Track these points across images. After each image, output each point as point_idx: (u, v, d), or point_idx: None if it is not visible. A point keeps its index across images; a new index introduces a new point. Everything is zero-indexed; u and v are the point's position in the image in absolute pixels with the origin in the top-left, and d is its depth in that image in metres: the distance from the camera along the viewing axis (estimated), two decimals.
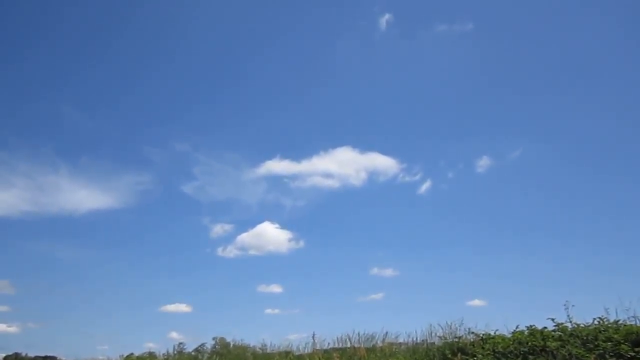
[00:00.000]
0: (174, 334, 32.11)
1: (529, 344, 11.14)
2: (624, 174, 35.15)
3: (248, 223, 38.69)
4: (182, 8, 43.57)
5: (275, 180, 38.35)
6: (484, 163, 36.12)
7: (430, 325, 13.85)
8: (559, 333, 11.23)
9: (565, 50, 38.27)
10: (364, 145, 39.98)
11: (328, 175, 36.85)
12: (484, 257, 34.29)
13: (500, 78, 40.08)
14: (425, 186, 36.28)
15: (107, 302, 36.42)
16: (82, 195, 37.78)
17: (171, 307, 34.09)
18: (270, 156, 39.65)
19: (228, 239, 37.94)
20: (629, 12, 36.12)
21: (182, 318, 34.41)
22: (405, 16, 40.56)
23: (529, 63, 38.93)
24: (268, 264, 38.08)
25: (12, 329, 30.44)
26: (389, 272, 34.51)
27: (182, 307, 34.13)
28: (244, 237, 36.51)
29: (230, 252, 36.37)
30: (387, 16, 38.93)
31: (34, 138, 41.27)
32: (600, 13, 37.07)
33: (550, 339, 11.02)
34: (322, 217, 39.83)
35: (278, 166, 37.69)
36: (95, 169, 40.07)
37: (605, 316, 11.11)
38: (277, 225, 36.23)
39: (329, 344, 15.00)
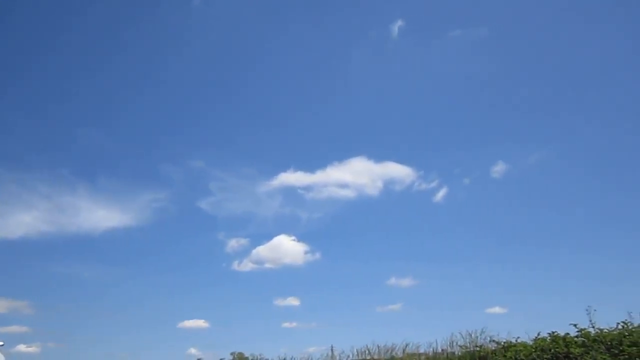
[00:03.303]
0: (193, 350, 31.98)
1: (552, 350, 10.96)
2: None
3: (264, 236, 38.63)
4: (192, 21, 44.18)
5: (290, 192, 38.35)
6: (499, 169, 35.74)
7: (451, 334, 13.73)
8: (582, 339, 11.03)
9: (581, 56, 37.97)
10: (378, 154, 39.78)
11: (343, 185, 36.74)
12: (502, 264, 33.80)
13: (515, 83, 39.84)
14: (441, 193, 35.95)
15: (126, 319, 36.58)
16: (100, 215, 38.16)
17: (189, 323, 34.09)
18: (284, 168, 39.65)
19: (244, 253, 37.92)
20: None
21: (200, 334, 34.39)
22: (417, 22, 40.56)
23: (545, 68, 38.66)
24: (284, 277, 37.93)
25: (32, 349, 30.62)
26: (406, 282, 34.12)
27: (200, 323, 34.09)
28: (260, 251, 36.45)
29: (246, 265, 36.30)
30: (399, 23, 38.91)
31: (51, 158, 41.93)
32: (619, 19, 36.84)
33: (573, 345, 10.83)
34: (338, 228, 39.66)
35: (292, 178, 37.66)
36: (112, 188, 40.56)
37: (629, 320, 10.91)
38: (293, 238, 36.11)
39: (348, 356, 14.96)
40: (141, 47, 45.14)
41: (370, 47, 42.28)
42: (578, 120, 37.80)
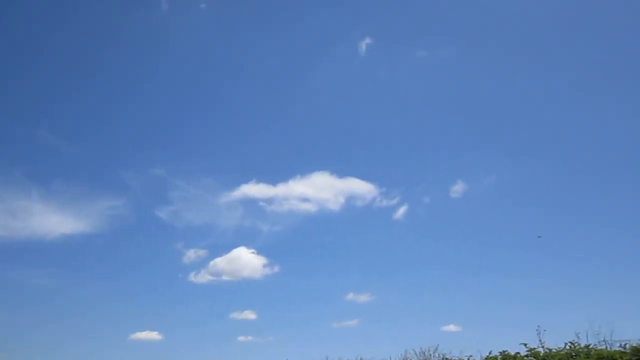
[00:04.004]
0: None
1: None
2: (596, 198, 35.97)
3: (223, 248, 38.02)
4: (159, 28, 43.59)
5: (251, 204, 37.99)
6: (459, 188, 36.53)
7: (405, 351, 13.74)
8: (532, 358, 11.21)
9: (543, 79, 39.47)
10: (341, 169, 39.98)
11: (305, 199, 36.68)
12: (459, 282, 34.36)
13: (478, 105, 40.99)
14: (401, 211, 36.39)
15: (75, 329, 35.07)
16: (53, 220, 36.68)
17: (141, 335, 32.98)
18: (246, 180, 39.22)
19: (201, 264, 37.17)
20: (613, 42, 37.64)
21: (152, 346, 33.32)
22: (385, 40, 41.18)
23: (507, 91, 39.98)
24: (242, 290, 37.36)
25: None
26: (364, 297, 34.17)
27: (153, 335, 33.05)
28: (218, 262, 35.82)
29: (203, 277, 35.57)
30: (367, 40, 39.45)
31: (5, 161, 40.22)
32: (579, 44, 38.55)
33: None
34: (298, 242, 39.49)
35: (254, 190, 37.36)
36: (68, 193, 39.15)
37: (576, 341, 11.15)
38: (252, 251, 35.68)
39: None
40: (105, 52, 44.22)
41: (337, 63, 42.74)
42: (538, 142, 39.10)
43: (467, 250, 36.53)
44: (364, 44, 39.73)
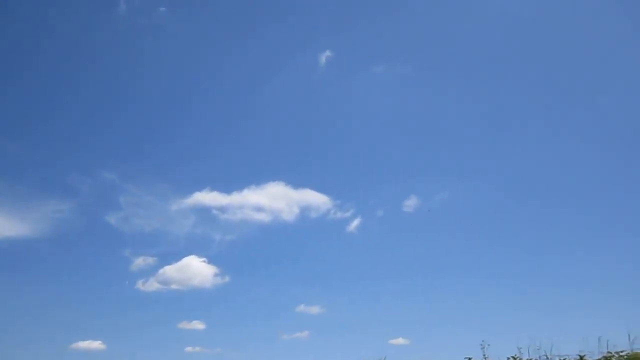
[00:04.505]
0: None
1: None
2: (543, 216, 37.46)
3: (173, 256, 37.16)
4: (115, 33, 42.50)
5: (204, 212, 37.41)
6: (411, 203, 37.27)
7: None
8: None
9: (498, 96, 41.00)
10: (297, 180, 40.03)
11: (259, 209, 36.46)
12: (409, 295, 34.94)
13: (433, 121, 42.11)
14: (355, 224, 36.77)
15: (14, 337, 33.27)
16: None
17: (83, 345, 31.58)
18: (199, 187, 38.62)
19: (150, 272, 36.18)
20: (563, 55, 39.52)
21: (95, 356, 31.98)
22: (344, 54, 41.74)
23: (462, 108, 41.26)
24: (191, 300, 36.56)
25: None
26: (315, 309, 34.14)
27: (96, 345, 31.71)
28: (167, 271, 34.96)
29: (152, 285, 34.62)
30: (327, 53, 39.84)
31: None
32: (530, 67, 40.28)
33: None
34: (250, 252, 39.10)
35: (207, 198, 36.84)
36: (13, 195, 37.30)
37: (518, 355, 11.45)
38: (203, 259, 35.04)
39: None
40: (52, 52, 42.75)
41: (297, 73, 42.94)
42: (491, 159, 40.44)
43: (418, 264, 37.27)
44: (324, 57, 40.22)
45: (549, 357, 11.10)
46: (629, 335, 10.12)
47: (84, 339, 32.04)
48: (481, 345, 11.78)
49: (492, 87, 41.46)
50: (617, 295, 29.63)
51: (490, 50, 41.41)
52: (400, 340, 30.85)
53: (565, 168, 38.84)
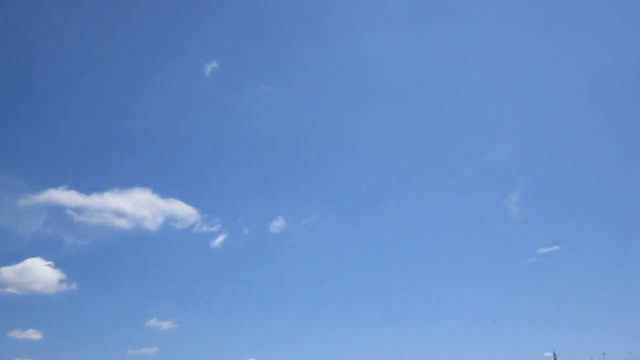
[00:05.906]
0: None
1: None
2: (412, 240, 40.30)
3: (14, 257, 33.80)
4: None
5: (58, 212, 34.75)
6: (278, 224, 38.10)
7: None
8: None
9: (377, 121, 43.93)
10: (165, 190, 39.16)
11: (120, 214, 34.71)
12: (263, 317, 35.43)
13: (310, 145, 43.69)
14: (220, 239, 36.60)
15: None
16: None
17: None
18: (55, 184, 35.87)
19: None
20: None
21: None
22: (230, 68, 42.03)
23: (335, 135, 43.45)
24: (29, 306, 33.39)
25: None
26: (168, 324, 33.06)
27: None
28: (5, 272, 31.68)
29: None
30: (213, 64, 39.76)
31: None
32: (409, 94, 43.65)
33: None
34: (105, 259, 36.94)
35: (63, 196, 34.30)
36: None
37: None
38: (49, 263, 32.33)
39: None
40: None
41: (178, 80, 42.08)
42: (358, 186, 42.58)
43: (278, 286, 37.81)
44: (210, 67, 39.88)
45: None
46: None
47: None
48: None
49: (369, 117, 44.04)
50: None
51: (374, 81, 44.21)
52: None
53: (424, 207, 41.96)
